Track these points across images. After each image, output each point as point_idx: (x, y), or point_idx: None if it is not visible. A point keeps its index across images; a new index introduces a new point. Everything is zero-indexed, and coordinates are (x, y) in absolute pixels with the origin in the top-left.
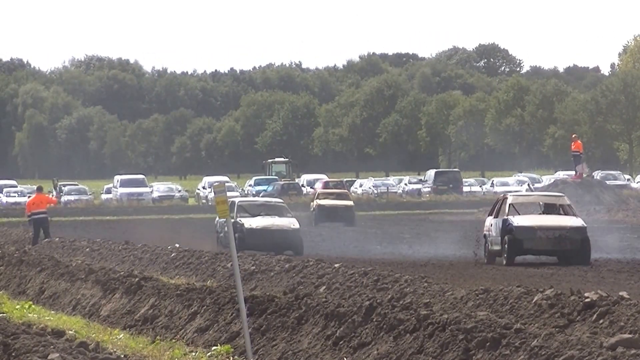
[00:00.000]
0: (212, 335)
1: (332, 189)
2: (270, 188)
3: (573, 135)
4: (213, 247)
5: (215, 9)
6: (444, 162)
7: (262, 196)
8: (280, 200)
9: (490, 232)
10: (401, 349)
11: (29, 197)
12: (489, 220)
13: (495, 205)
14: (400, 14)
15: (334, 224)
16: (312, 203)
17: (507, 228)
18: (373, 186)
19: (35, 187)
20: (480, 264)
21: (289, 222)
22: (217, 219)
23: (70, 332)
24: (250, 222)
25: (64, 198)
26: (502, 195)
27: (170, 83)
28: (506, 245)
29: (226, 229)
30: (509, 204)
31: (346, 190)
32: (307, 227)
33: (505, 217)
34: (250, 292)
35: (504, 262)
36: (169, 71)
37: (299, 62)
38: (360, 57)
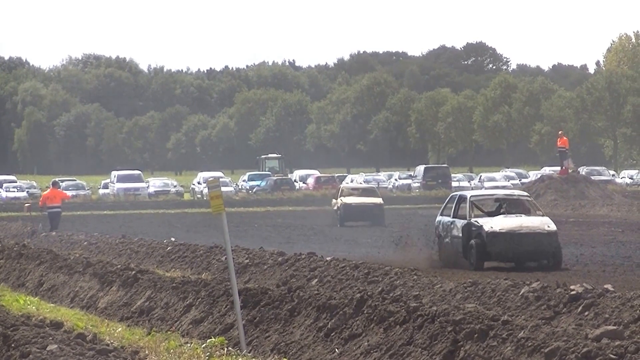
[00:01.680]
0: (207, 327)
1: (353, 184)
2: (263, 183)
3: (559, 132)
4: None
5: (210, 8)
6: (433, 158)
7: (255, 192)
8: (525, 193)
9: None
10: (391, 340)
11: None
12: None
13: None
14: (390, 14)
15: (358, 223)
16: (334, 201)
17: None
18: (364, 181)
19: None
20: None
21: (542, 223)
22: (439, 217)
23: (68, 323)
24: (492, 224)
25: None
26: None
27: (166, 81)
28: None
29: (455, 232)
30: None
31: (373, 186)
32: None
33: None
34: (244, 285)
35: None
36: (165, 69)
37: (292, 60)
38: (351, 55)
